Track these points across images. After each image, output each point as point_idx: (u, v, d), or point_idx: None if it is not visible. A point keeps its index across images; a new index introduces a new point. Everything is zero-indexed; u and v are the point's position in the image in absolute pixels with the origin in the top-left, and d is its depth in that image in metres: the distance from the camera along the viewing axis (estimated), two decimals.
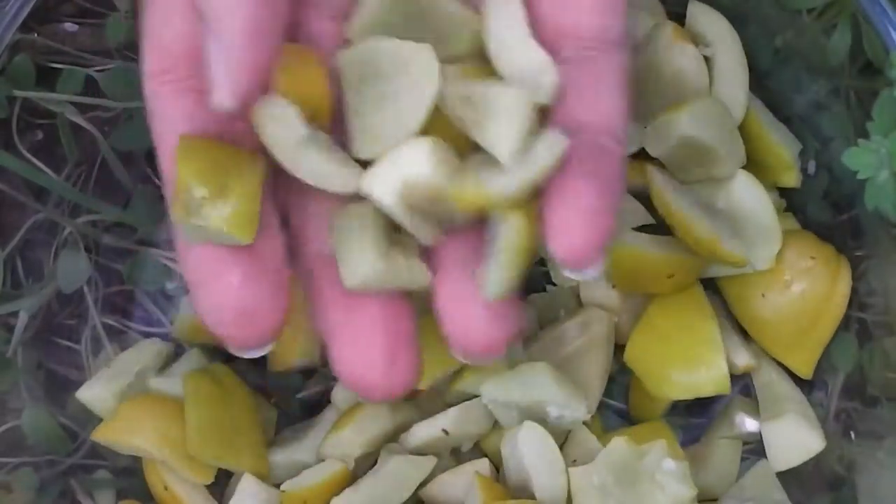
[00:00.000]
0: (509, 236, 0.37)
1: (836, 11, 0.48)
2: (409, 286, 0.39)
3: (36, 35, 0.50)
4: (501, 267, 0.37)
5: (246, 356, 0.39)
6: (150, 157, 0.55)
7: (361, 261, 0.38)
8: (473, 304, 0.38)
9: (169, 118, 0.39)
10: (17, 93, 0.50)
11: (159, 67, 0.39)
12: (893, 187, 0.41)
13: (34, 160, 0.51)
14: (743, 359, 0.53)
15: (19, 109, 0.51)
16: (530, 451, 0.47)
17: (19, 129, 0.51)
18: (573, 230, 0.36)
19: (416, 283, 0.39)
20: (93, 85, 0.52)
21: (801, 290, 0.51)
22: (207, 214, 0.37)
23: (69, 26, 0.52)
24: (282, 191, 0.40)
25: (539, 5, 0.40)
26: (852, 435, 0.52)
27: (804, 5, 0.50)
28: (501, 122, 0.37)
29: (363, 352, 0.39)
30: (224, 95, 0.36)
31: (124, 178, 0.55)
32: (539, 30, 0.39)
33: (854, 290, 0.51)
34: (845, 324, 0.52)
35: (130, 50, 0.53)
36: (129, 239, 0.54)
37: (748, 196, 0.50)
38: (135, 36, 0.52)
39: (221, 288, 0.37)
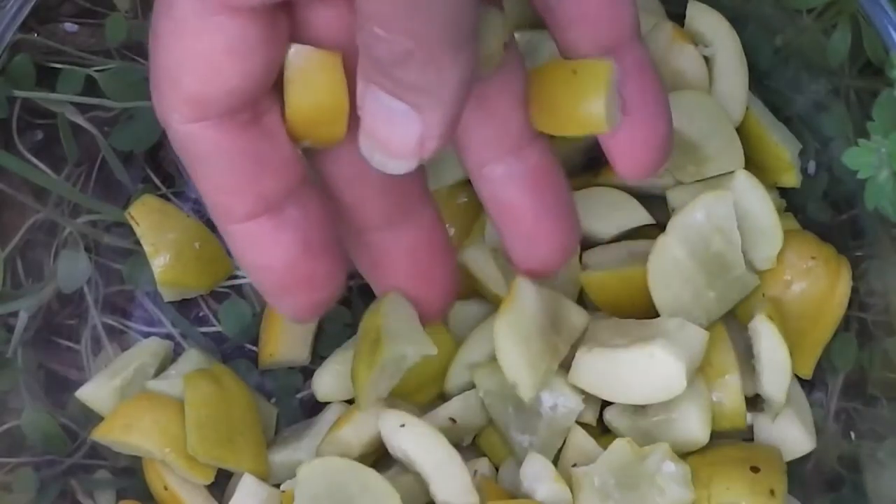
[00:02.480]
0: None
1: (836, 11, 0.48)
2: None
3: (36, 35, 0.50)
4: None
5: (299, 322, 0.42)
6: (150, 156, 0.55)
7: None
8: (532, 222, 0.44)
9: (208, 157, 0.38)
10: (17, 93, 0.50)
11: (186, 112, 0.37)
12: (893, 187, 0.41)
13: (34, 160, 0.51)
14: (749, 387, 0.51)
15: (19, 109, 0.51)
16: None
17: (19, 129, 0.51)
18: (639, 160, 0.42)
19: None
20: (93, 85, 0.52)
21: (801, 290, 0.51)
22: None
23: (69, 26, 0.52)
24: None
25: (564, 29, 0.41)
26: (852, 435, 0.52)
27: (804, 5, 0.50)
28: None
29: None
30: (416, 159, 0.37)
31: (124, 178, 0.55)
32: (568, 49, 0.41)
33: (854, 290, 0.51)
34: (845, 324, 0.52)
35: (130, 50, 0.53)
36: (129, 239, 0.54)
37: (748, 196, 0.50)
38: (135, 36, 0.52)
39: (274, 258, 0.39)
